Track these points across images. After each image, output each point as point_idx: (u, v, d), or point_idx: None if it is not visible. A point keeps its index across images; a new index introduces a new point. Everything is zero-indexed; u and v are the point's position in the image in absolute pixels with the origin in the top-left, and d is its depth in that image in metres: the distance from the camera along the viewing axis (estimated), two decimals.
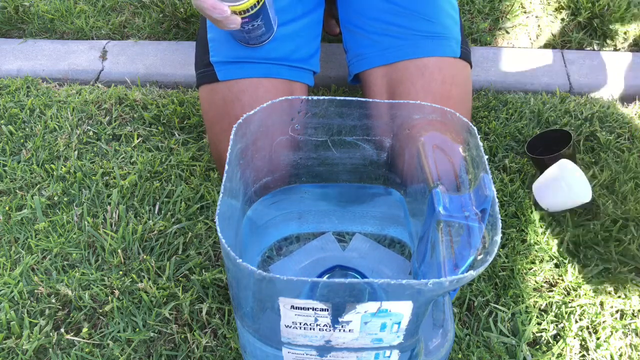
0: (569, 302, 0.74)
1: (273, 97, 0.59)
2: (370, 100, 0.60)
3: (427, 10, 0.81)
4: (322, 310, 0.48)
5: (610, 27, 1.14)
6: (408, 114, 0.61)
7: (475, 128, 0.55)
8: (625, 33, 1.15)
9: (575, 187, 0.80)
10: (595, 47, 1.13)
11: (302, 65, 0.83)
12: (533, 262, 0.78)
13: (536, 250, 0.79)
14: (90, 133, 0.97)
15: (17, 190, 0.88)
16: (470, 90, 0.84)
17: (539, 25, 1.18)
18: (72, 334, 0.71)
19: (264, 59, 0.80)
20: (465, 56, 0.83)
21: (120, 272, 0.77)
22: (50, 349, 0.70)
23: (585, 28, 1.16)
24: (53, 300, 0.74)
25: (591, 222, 0.82)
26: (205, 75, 0.82)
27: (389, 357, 0.56)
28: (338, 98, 0.60)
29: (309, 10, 0.84)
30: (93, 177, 0.89)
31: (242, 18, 0.68)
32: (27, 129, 0.98)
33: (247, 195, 0.66)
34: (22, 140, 0.96)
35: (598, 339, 0.70)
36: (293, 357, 0.57)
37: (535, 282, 0.76)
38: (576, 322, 0.72)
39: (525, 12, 1.20)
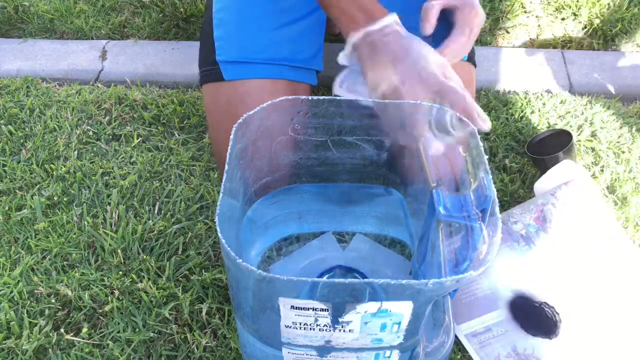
0: None
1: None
2: (371, 100, 0.60)
3: None
4: (322, 310, 0.48)
5: (611, 27, 1.14)
6: (408, 114, 0.61)
7: (475, 128, 0.55)
8: (625, 33, 1.15)
9: None
10: (595, 47, 1.13)
11: (306, 65, 0.83)
12: None
13: None
14: (90, 133, 0.97)
15: (17, 190, 0.88)
16: (474, 91, 0.84)
17: (539, 25, 1.17)
18: (72, 334, 0.71)
19: (270, 60, 0.80)
20: (470, 58, 0.83)
21: (120, 272, 0.77)
22: (50, 349, 0.70)
23: (585, 28, 1.16)
24: (53, 301, 0.74)
25: None
26: (209, 73, 0.82)
27: (389, 357, 0.56)
28: (338, 98, 0.59)
29: (312, 10, 0.84)
30: (93, 177, 0.89)
31: None
32: (26, 129, 0.98)
33: (247, 195, 0.66)
34: (21, 140, 0.96)
35: None
36: (293, 358, 0.57)
37: None
38: None
39: (525, 12, 1.20)
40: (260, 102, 0.77)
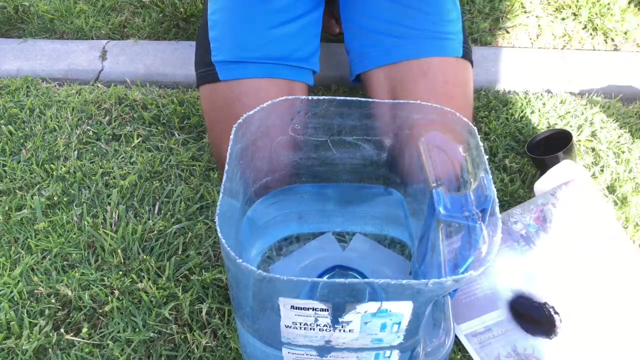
0: None
1: (274, 98, 0.59)
2: (371, 100, 0.60)
3: (431, 10, 0.81)
4: (322, 310, 0.48)
5: (611, 27, 1.14)
6: (408, 114, 0.61)
7: (475, 128, 0.55)
8: (625, 33, 1.15)
9: None
10: (595, 47, 1.13)
11: (303, 64, 0.83)
12: None
13: None
14: (90, 133, 0.97)
15: (17, 190, 0.88)
16: (472, 90, 0.84)
17: (539, 25, 1.17)
18: (72, 334, 0.71)
19: (265, 59, 0.80)
20: (467, 55, 0.83)
21: (120, 272, 0.77)
22: (50, 349, 0.70)
23: (585, 28, 1.16)
24: (53, 301, 0.74)
25: None
26: (206, 74, 0.82)
27: (389, 357, 0.56)
28: (338, 98, 0.59)
29: (309, 10, 0.84)
30: (93, 177, 0.89)
31: None
32: (26, 129, 0.98)
33: (247, 195, 0.66)
34: (21, 140, 0.96)
35: None
36: (293, 358, 0.57)
37: None
38: None
39: (525, 12, 1.19)
40: (257, 102, 0.78)
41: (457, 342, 0.70)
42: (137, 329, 0.71)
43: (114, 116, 1.00)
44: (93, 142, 0.96)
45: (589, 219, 0.78)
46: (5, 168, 0.91)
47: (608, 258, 0.75)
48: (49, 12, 1.23)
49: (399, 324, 0.50)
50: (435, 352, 0.59)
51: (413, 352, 0.56)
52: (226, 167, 0.53)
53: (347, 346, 0.53)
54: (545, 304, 0.72)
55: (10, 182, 0.89)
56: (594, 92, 1.04)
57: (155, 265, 0.77)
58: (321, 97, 0.59)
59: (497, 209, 0.50)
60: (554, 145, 0.87)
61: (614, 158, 0.91)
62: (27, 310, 0.73)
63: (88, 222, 0.82)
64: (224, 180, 0.52)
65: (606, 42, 1.14)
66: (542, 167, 0.84)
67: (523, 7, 1.20)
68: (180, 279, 0.76)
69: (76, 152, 0.94)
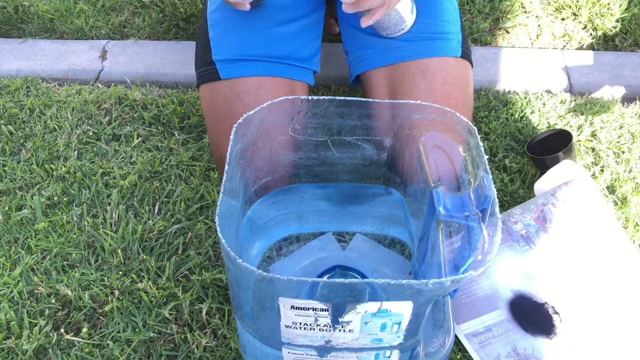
0: None
1: (275, 97, 0.59)
2: (371, 100, 0.60)
3: (428, 11, 0.81)
4: (322, 310, 0.48)
5: (611, 27, 1.14)
6: (408, 114, 0.61)
7: (475, 128, 0.55)
8: (625, 33, 1.15)
9: None
10: (595, 47, 1.13)
11: (304, 64, 0.83)
12: None
13: None
14: (90, 133, 0.97)
15: (17, 190, 0.88)
16: (472, 90, 0.84)
17: (539, 25, 1.17)
18: (72, 334, 0.71)
19: (267, 57, 0.79)
20: (466, 56, 0.83)
21: (120, 272, 0.77)
22: (50, 349, 0.70)
23: (585, 28, 1.16)
24: (53, 301, 0.74)
25: None
26: (206, 73, 0.82)
27: (389, 357, 0.56)
28: (338, 98, 0.59)
29: (311, 10, 0.84)
30: (93, 177, 0.89)
31: None
32: (26, 129, 0.98)
33: (247, 195, 0.66)
34: (21, 140, 0.96)
35: None
36: (293, 357, 0.57)
37: None
38: None
39: (525, 12, 1.19)
40: (257, 100, 0.78)
41: (457, 342, 0.70)
42: (137, 329, 0.71)
43: (114, 116, 1.00)
44: (93, 142, 0.96)
45: (589, 219, 0.78)
46: (5, 168, 0.91)
47: (608, 258, 0.75)
48: (49, 12, 1.23)
49: (399, 324, 0.50)
50: (435, 352, 0.59)
51: (413, 352, 0.56)
52: (226, 167, 0.53)
53: (347, 346, 0.54)
54: (545, 304, 0.72)
55: (10, 182, 0.89)
56: (594, 92, 1.04)
57: (155, 265, 0.77)
58: (321, 97, 0.59)
59: (497, 209, 0.50)
60: (554, 145, 0.87)
61: (614, 158, 0.91)
62: (27, 310, 0.73)
63: (88, 222, 0.82)
64: (224, 180, 0.52)
65: (606, 42, 1.14)
66: (542, 167, 0.84)
67: (523, 7, 1.20)
68: (180, 279, 0.76)
69: (76, 152, 0.94)
